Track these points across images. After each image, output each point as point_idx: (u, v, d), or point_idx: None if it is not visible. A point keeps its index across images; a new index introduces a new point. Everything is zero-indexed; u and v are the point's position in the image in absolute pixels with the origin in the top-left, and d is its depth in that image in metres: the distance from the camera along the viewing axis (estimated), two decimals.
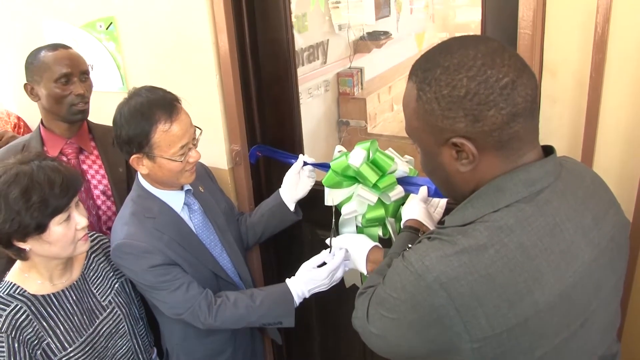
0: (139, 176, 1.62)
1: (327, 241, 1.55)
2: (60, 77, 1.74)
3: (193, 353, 1.74)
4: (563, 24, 1.36)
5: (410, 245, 1.00)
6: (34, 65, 1.76)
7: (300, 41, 3.47)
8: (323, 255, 1.62)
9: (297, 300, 1.61)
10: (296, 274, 1.64)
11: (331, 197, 1.65)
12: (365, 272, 1.47)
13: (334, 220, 1.62)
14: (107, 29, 2.17)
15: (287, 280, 1.64)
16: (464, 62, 0.86)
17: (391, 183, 1.51)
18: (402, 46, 4.74)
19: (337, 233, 1.53)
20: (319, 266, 1.60)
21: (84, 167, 1.88)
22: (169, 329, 1.73)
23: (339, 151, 1.64)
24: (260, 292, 1.63)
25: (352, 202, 1.59)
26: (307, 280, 1.60)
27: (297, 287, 1.61)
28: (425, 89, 0.90)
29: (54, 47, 1.78)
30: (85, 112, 1.82)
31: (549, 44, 1.39)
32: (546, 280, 0.86)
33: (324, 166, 1.70)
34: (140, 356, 1.71)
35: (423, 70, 0.91)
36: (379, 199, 1.56)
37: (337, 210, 1.63)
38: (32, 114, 2.59)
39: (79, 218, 1.42)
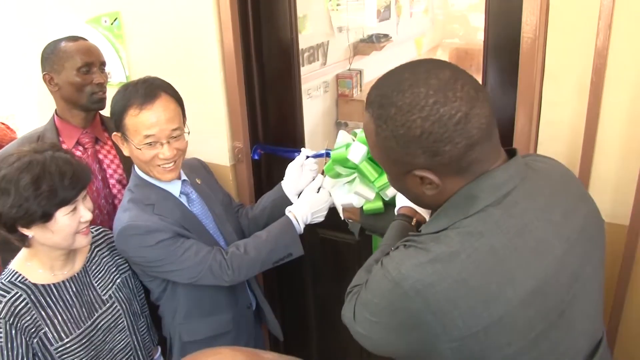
0: (135, 167, 1.64)
1: (320, 176, 1.71)
2: (82, 65, 1.79)
3: (195, 333, 1.74)
4: (565, 30, 1.38)
5: (393, 249, 1.03)
6: (54, 55, 1.80)
7: (301, 42, 3.48)
8: (318, 180, 1.73)
9: (302, 224, 1.67)
10: (297, 200, 1.72)
11: (330, 184, 1.69)
12: (342, 217, 1.63)
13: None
14: (112, 24, 2.18)
15: (289, 208, 1.70)
16: (416, 102, 0.88)
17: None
18: (401, 49, 4.76)
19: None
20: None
21: (100, 156, 1.90)
22: (172, 310, 1.72)
23: (350, 139, 1.62)
24: (262, 230, 1.69)
25: (350, 195, 1.60)
26: (311, 202, 1.69)
27: (300, 212, 1.68)
28: (383, 127, 0.93)
29: (75, 38, 1.84)
30: (103, 101, 1.85)
31: (551, 48, 1.42)
32: (518, 279, 0.90)
33: (327, 155, 1.72)
34: (139, 352, 1.71)
35: (378, 105, 0.93)
36: (377, 193, 1.57)
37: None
38: (32, 106, 2.60)
39: (84, 211, 1.44)
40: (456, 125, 0.87)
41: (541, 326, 0.92)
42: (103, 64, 1.86)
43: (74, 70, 1.78)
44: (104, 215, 1.88)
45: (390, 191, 1.53)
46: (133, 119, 1.49)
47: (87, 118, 1.88)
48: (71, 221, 1.41)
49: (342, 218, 1.69)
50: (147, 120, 1.49)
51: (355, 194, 1.57)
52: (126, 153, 1.58)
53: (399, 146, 0.92)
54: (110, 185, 1.91)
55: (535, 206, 0.95)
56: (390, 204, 1.55)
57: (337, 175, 1.62)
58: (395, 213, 1.42)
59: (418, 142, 0.89)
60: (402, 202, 1.44)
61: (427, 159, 0.91)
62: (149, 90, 1.50)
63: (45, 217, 1.36)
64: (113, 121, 1.55)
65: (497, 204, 0.93)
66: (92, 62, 1.81)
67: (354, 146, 1.53)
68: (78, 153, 1.86)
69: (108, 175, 1.91)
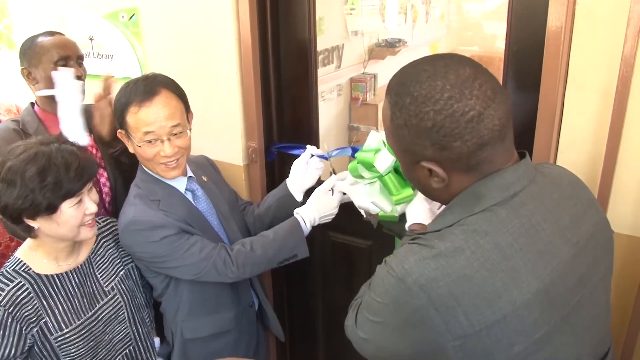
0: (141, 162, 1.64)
1: (333, 176, 1.69)
2: (59, 59, 1.81)
3: (198, 330, 1.74)
4: (591, 35, 1.36)
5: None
6: (31, 49, 1.83)
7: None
8: (331, 180, 1.70)
9: (309, 225, 1.67)
10: (308, 201, 1.71)
11: (350, 182, 1.66)
12: (363, 215, 1.59)
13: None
14: (129, 19, 2.18)
15: (298, 209, 1.69)
16: (431, 95, 0.89)
17: (408, 196, 1.50)
18: (416, 54, 4.69)
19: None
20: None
21: None
22: (175, 307, 1.72)
23: (381, 142, 1.58)
24: (269, 230, 1.68)
25: (367, 201, 1.58)
26: (319, 206, 1.68)
27: (308, 214, 1.67)
28: (397, 114, 0.94)
29: (51, 33, 1.87)
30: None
31: (575, 55, 1.39)
32: (523, 279, 0.89)
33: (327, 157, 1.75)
34: (139, 343, 1.71)
35: (396, 93, 0.95)
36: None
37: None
38: None
39: (90, 204, 1.45)
40: (468, 122, 0.88)
41: (545, 329, 0.91)
42: (80, 57, 1.88)
43: (50, 64, 1.80)
44: None
45: (401, 208, 1.51)
46: (133, 117, 1.49)
47: None
48: (76, 213, 1.42)
49: (364, 216, 1.67)
50: (147, 118, 1.49)
51: (372, 204, 1.56)
52: (131, 150, 1.58)
53: (410, 135, 0.93)
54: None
55: (543, 208, 0.95)
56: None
57: (360, 177, 1.60)
58: (407, 229, 1.41)
59: (428, 134, 0.91)
60: (413, 217, 1.42)
61: (435, 151, 0.92)
62: (149, 87, 1.50)
63: (51, 208, 1.37)
64: (116, 119, 1.55)
65: (504, 204, 0.93)
66: (69, 56, 1.83)
67: (382, 155, 1.50)
68: None
69: None
